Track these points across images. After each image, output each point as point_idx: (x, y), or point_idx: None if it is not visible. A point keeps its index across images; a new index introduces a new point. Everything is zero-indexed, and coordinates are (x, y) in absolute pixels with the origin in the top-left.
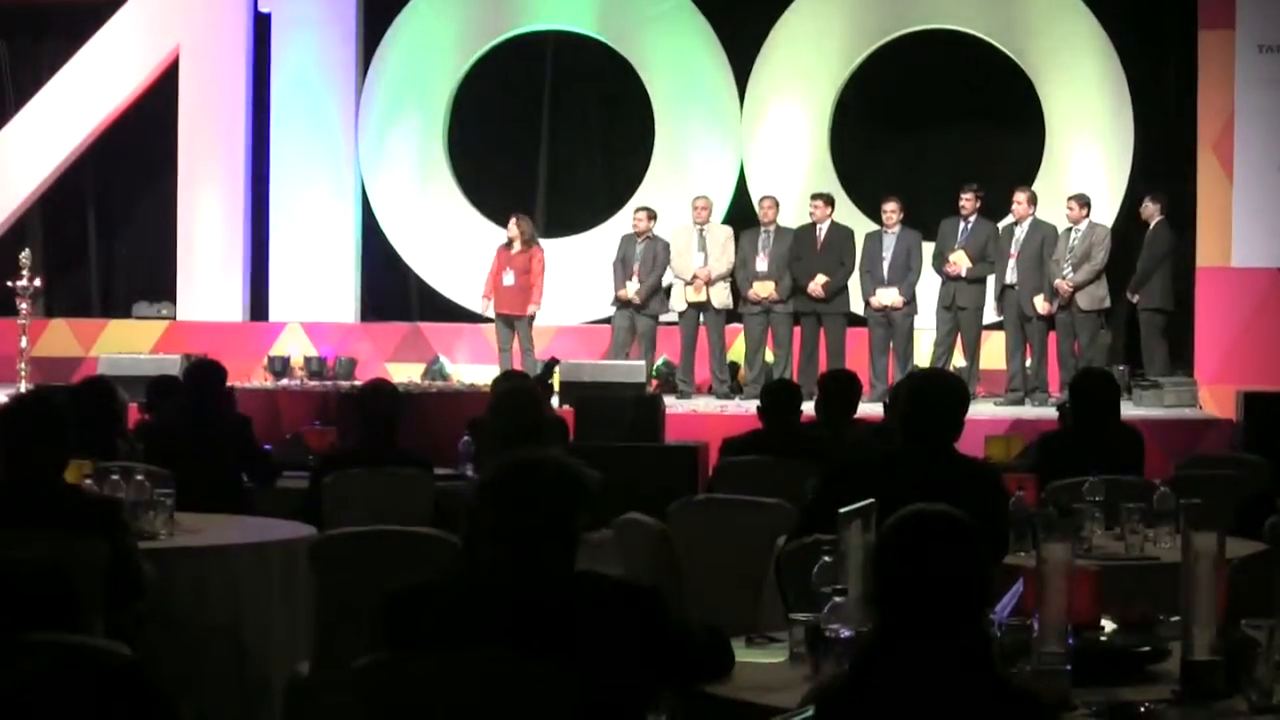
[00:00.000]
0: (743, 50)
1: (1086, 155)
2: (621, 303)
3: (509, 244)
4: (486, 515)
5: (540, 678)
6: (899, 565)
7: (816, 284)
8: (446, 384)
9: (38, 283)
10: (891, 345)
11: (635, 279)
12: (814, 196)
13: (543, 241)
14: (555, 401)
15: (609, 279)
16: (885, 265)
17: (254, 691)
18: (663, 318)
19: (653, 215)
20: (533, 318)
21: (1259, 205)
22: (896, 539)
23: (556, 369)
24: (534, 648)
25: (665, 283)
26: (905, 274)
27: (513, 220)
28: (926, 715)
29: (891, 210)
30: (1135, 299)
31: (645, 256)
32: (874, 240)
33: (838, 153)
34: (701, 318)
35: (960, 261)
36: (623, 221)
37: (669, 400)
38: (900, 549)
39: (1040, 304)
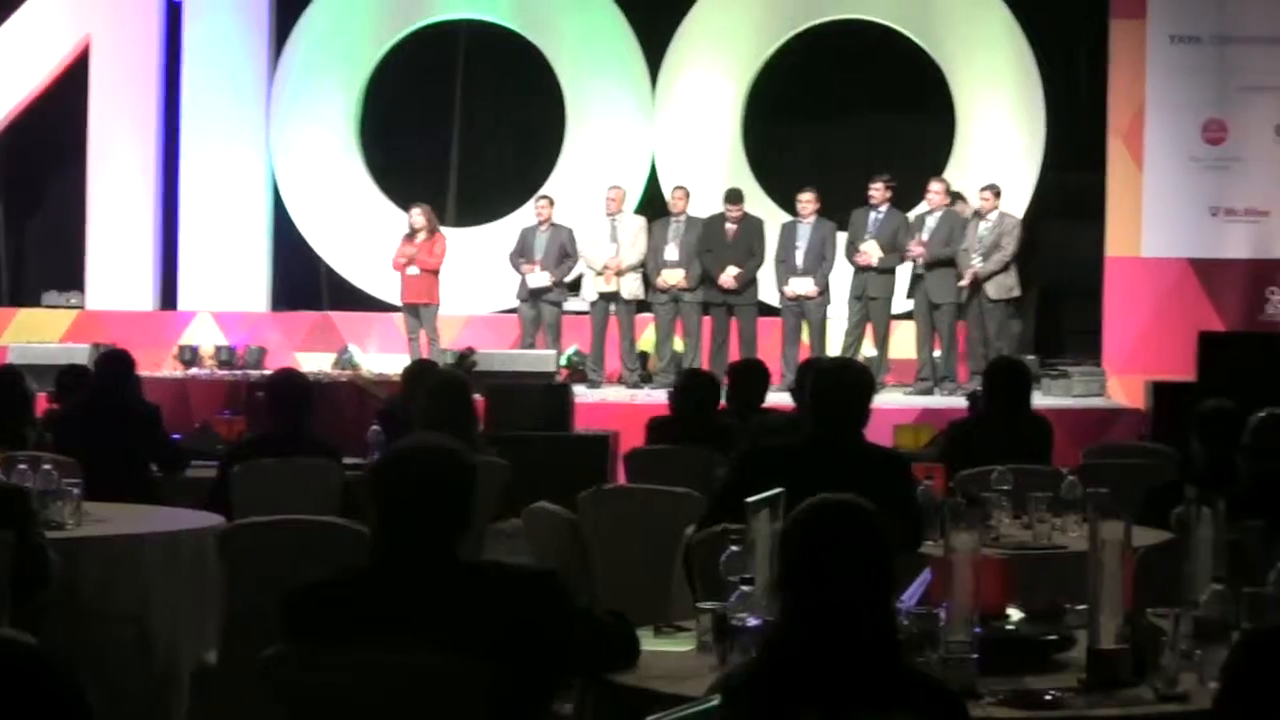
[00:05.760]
0: (655, 40)
1: (997, 144)
2: (528, 292)
3: (412, 234)
4: (375, 504)
5: (443, 670)
6: (805, 554)
7: (728, 276)
8: (356, 373)
9: None
10: (804, 335)
11: (538, 269)
12: (727, 199)
13: (454, 230)
14: None
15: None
16: (800, 255)
17: (162, 681)
18: (568, 306)
19: (552, 203)
20: (438, 307)
21: (1168, 195)
22: (803, 528)
23: (474, 359)
24: (435, 639)
25: (576, 273)
26: (820, 264)
27: (415, 210)
28: (833, 704)
29: (807, 200)
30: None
31: (550, 246)
32: (789, 230)
33: (750, 143)
34: (612, 307)
35: (871, 251)
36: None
37: (579, 389)
38: (806, 538)
39: (952, 292)
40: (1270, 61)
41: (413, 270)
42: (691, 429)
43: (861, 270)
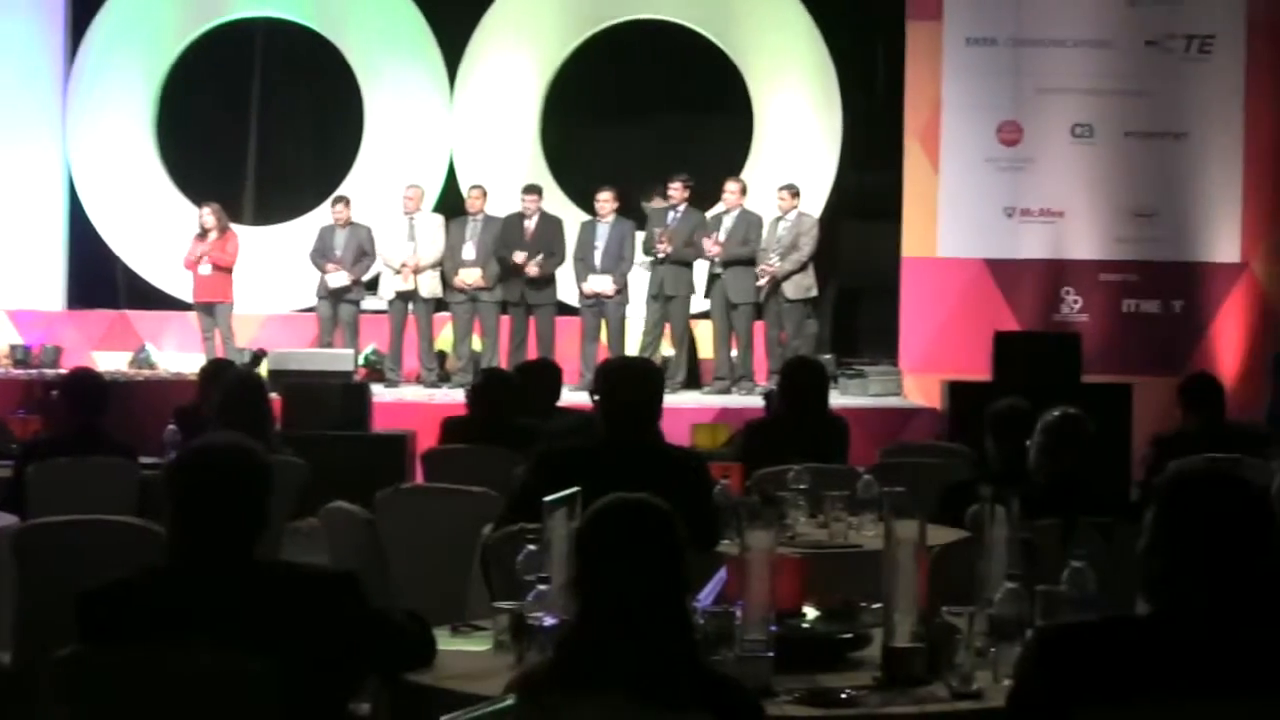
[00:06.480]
0: (454, 38)
1: (795, 144)
2: (328, 291)
3: (203, 233)
4: (170, 504)
5: (237, 670)
6: (599, 554)
7: (533, 264)
8: (153, 372)
9: None
10: (603, 334)
11: (339, 268)
12: (525, 190)
13: (251, 229)
14: None
15: (314, 268)
16: (598, 254)
17: None
18: (366, 305)
19: (347, 203)
20: (232, 305)
21: (964, 196)
22: (596, 528)
23: (264, 360)
24: (231, 639)
25: (374, 272)
26: (618, 263)
27: (205, 209)
28: (628, 703)
29: (606, 199)
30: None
31: (348, 245)
32: (588, 229)
33: (548, 142)
34: (410, 306)
35: (671, 240)
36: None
37: (377, 389)
38: (600, 538)
39: (749, 291)
40: (1065, 63)
41: (205, 269)
42: (488, 429)
43: (658, 265)
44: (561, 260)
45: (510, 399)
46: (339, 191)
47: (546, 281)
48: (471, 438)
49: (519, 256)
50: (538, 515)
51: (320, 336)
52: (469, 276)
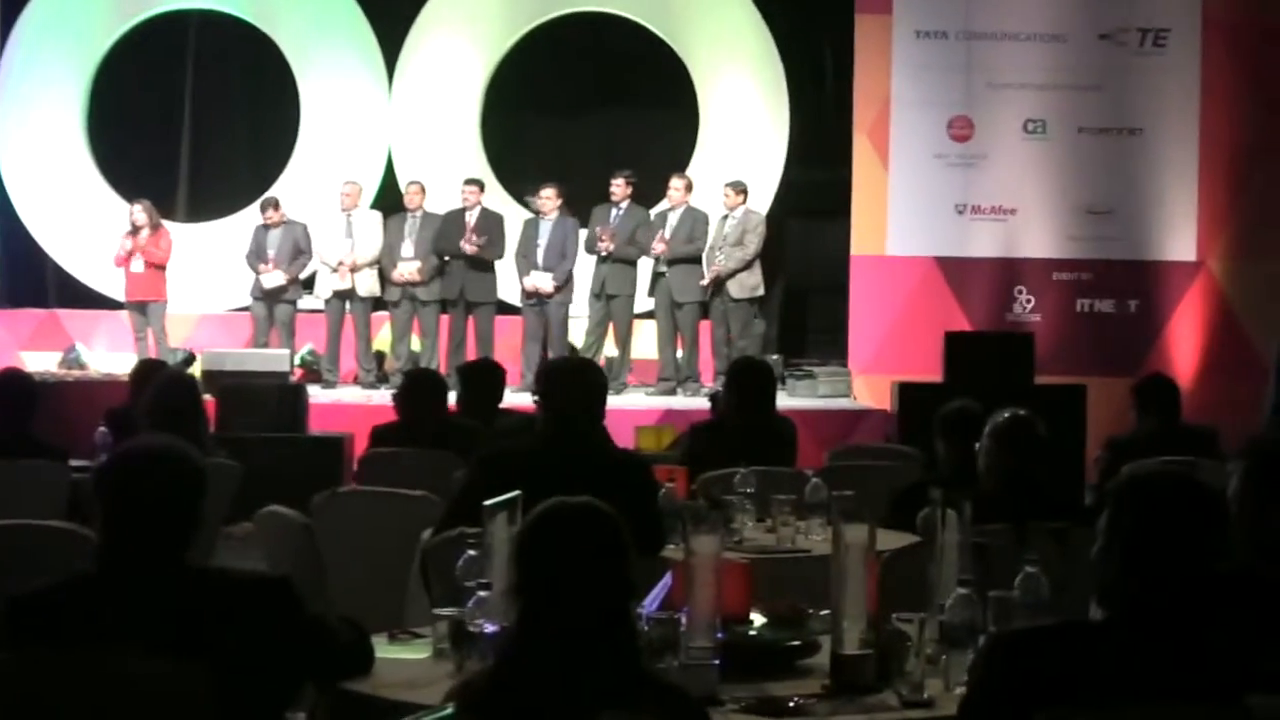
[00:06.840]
0: (392, 30)
1: (741, 140)
2: (262, 291)
3: (135, 231)
4: (101, 508)
5: (169, 677)
6: (540, 559)
7: (471, 243)
8: (84, 372)
9: None
10: (546, 334)
11: (272, 267)
12: (466, 182)
13: (185, 226)
14: None
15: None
16: (540, 251)
17: None
18: (302, 304)
19: (277, 205)
20: (165, 304)
21: (914, 193)
22: (537, 533)
23: (197, 361)
24: (163, 646)
25: (310, 270)
26: (560, 260)
27: (136, 206)
28: (571, 711)
29: (548, 196)
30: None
31: (283, 243)
32: (531, 226)
33: (489, 137)
34: (347, 306)
35: (613, 237)
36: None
37: (313, 390)
38: (541, 543)
39: (695, 290)
40: (1018, 57)
41: (137, 266)
42: (419, 432)
43: (601, 262)
44: (501, 253)
45: (439, 399)
46: (271, 192)
47: (486, 272)
48: (403, 443)
49: (467, 247)
50: (478, 519)
51: (255, 336)
52: (406, 269)
